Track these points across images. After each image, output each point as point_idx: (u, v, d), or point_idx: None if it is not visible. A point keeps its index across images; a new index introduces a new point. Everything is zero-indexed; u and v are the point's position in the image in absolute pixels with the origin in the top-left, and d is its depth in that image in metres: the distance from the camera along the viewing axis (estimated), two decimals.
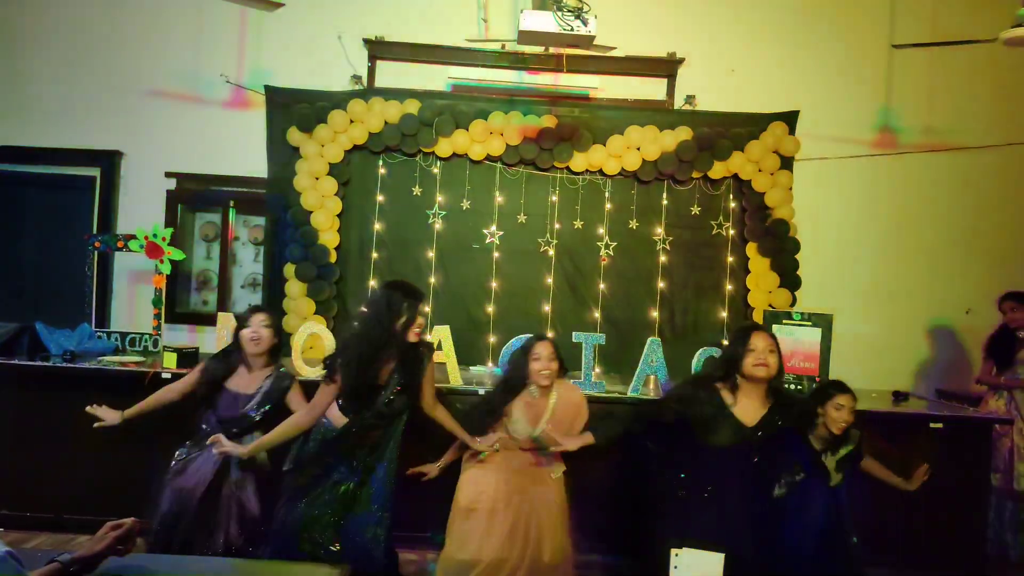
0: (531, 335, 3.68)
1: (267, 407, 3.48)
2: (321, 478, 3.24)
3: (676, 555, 1.96)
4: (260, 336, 3.51)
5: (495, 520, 3.33)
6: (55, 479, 4.35)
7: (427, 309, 5.38)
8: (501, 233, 5.47)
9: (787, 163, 5.33)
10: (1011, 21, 4.36)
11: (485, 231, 5.46)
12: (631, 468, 4.03)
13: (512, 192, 5.47)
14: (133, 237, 5.06)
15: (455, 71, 5.60)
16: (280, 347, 3.70)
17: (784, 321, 4.54)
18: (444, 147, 5.24)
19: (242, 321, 3.58)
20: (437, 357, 4.52)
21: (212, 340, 4.91)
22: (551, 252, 5.47)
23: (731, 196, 5.50)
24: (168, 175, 5.88)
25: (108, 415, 3.52)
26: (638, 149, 5.25)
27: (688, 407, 3.29)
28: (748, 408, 3.24)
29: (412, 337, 3.16)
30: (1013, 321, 4.96)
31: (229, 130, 5.84)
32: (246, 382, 3.54)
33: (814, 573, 3.27)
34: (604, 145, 5.24)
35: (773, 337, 3.28)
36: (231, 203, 5.88)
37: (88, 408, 3.52)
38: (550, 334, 4.30)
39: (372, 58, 5.54)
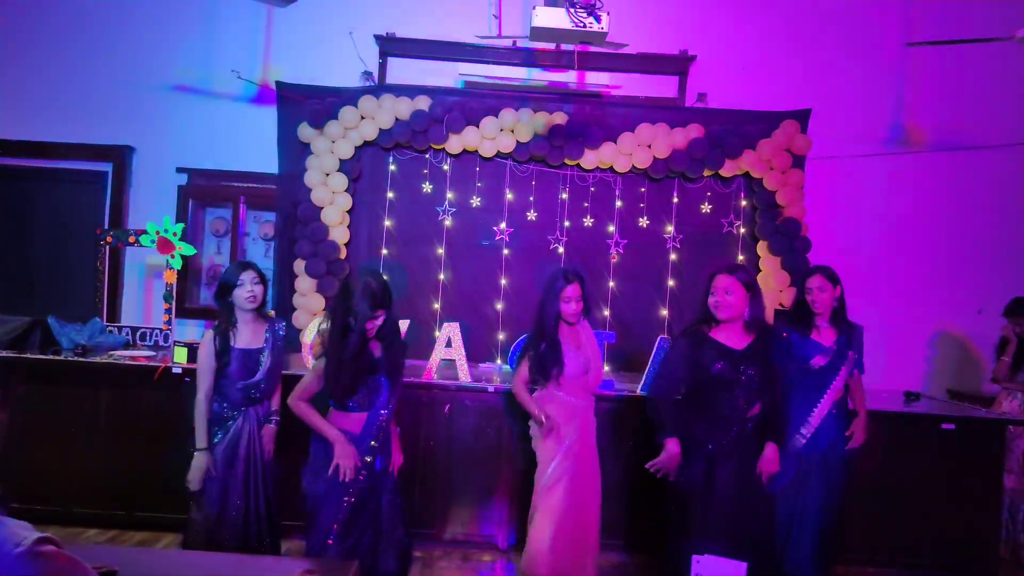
0: (556, 271, 3.70)
1: (276, 359, 3.49)
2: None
3: (698, 561, 1.93)
4: (256, 293, 3.46)
5: (571, 484, 3.52)
6: (66, 473, 4.37)
7: (436, 306, 5.39)
8: (511, 230, 5.46)
9: (799, 162, 5.30)
10: None
11: (495, 228, 5.46)
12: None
13: (522, 189, 5.46)
14: (144, 232, 5.07)
15: (466, 68, 5.59)
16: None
17: None
18: (454, 144, 5.23)
19: (229, 281, 3.45)
20: (447, 354, 4.53)
21: None
22: (561, 250, 5.46)
23: (742, 194, 5.48)
24: (179, 170, 5.90)
25: (200, 468, 3.39)
26: (649, 147, 5.23)
27: (680, 356, 3.34)
28: (732, 336, 3.30)
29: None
30: (1023, 333, 4.91)
31: (240, 126, 5.85)
32: (248, 338, 3.47)
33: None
34: (615, 142, 5.22)
35: (739, 278, 3.31)
36: (242, 198, 5.90)
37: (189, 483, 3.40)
38: None
39: (383, 54, 5.53)
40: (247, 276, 3.45)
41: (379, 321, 3.11)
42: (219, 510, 3.35)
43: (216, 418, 3.41)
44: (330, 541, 3.02)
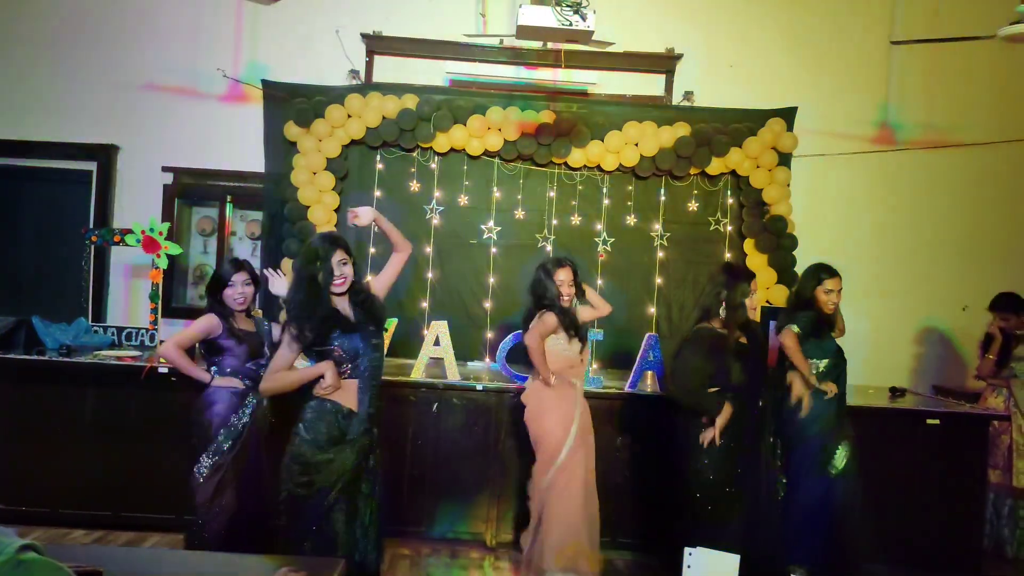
0: (546, 258, 3.87)
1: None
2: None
3: (689, 554, 1.93)
4: (245, 295, 3.49)
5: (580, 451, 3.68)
6: (51, 473, 4.34)
7: (424, 304, 5.38)
8: (499, 229, 5.46)
9: (785, 159, 5.33)
10: (1010, 17, 4.36)
11: (483, 227, 5.46)
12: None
13: (509, 188, 5.46)
14: (130, 231, 5.04)
15: (453, 66, 5.59)
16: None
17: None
18: (442, 142, 5.23)
19: (223, 279, 3.47)
20: (435, 353, 4.53)
21: None
22: (548, 248, 5.46)
23: (729, 192, 5.50)
24: (165, 169, 5.85)
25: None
26: (636, 145, 5.24)
27: (703, 361, 3.43)
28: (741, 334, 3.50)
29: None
30: (1007, 328, 4.95)
31: (226, 125, 5.81)
32: (244, 326, 3.54)
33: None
34: (602, 141, 5.23)
35: None
36: (228, 198, 5.87)
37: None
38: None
39: (370, 53, 5.52)
40: (239, 277, 3.47)
41: (348, 267, 2.91)
42: (231, 515, 3.36)
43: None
44: (314, 536, 2.94)
